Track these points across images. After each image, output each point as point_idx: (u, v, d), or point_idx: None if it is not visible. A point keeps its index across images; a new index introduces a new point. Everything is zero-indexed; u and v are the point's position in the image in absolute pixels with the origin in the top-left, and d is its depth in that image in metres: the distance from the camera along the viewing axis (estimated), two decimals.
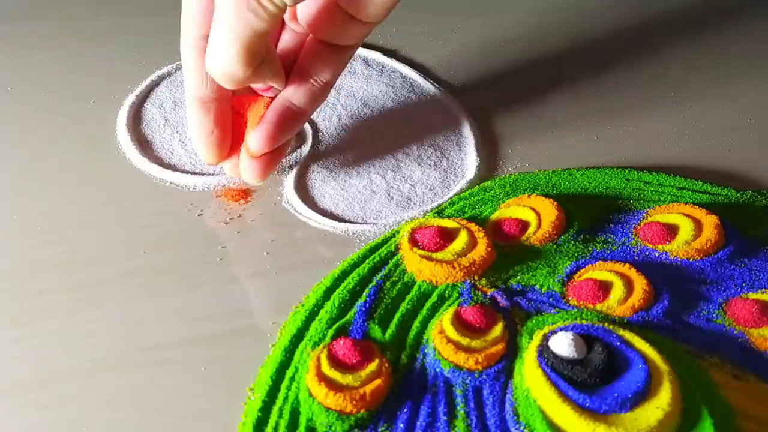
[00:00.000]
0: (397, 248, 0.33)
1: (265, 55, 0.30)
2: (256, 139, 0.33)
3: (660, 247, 0.33)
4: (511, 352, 0.29)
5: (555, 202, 0.35)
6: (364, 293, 0.31)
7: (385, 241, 0.34)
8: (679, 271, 0.33)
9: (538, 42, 0.49)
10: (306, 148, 0.39)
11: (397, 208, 0.36)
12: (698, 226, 0.34)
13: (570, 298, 0.31)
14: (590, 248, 0.34)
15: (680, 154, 0.41)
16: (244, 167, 0.34)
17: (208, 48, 0.30)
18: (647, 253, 0.33)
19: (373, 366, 0.27)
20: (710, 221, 0.34)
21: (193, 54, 0.32)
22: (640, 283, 0.31)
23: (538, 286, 0.32)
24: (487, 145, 0.41)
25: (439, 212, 0.36)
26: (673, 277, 0.32)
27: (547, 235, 0.34)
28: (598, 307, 0.31)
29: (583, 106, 0.44)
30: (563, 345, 0.27)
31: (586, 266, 0.32)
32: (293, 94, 0.33)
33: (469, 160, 0.39)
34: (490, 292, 0.31)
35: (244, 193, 0.37)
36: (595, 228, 0.35)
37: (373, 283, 0.32)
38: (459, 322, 0.29)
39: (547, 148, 0.40)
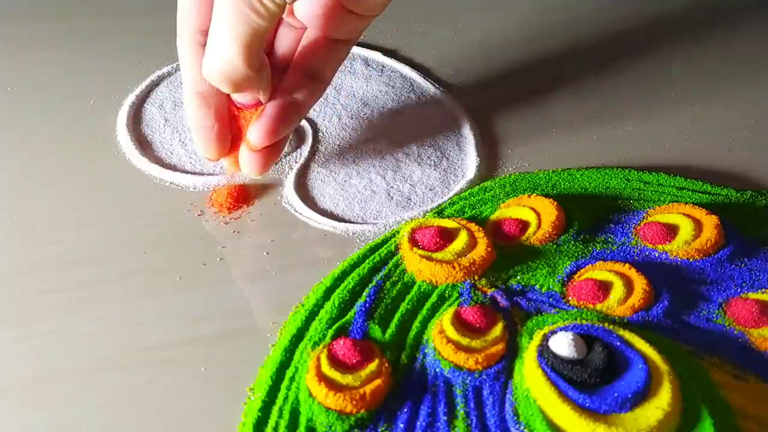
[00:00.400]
0: (397, 248, 0.33)
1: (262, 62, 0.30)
2: (256, 132, 0.33)
3: (660, 247, 0.33)
4: (511, 352, 0.29)
5: (555, 202, 0.35)
6: (364, 293, 0.31)
7: (385, 241, 0.34)
8: (679, 271, 0.33)
9: (538, 42, 0.49)
10: (306, 148, 0.39)
11: (397, 208, 0.36)
12: (698, 226, 0.34)
13: (570, 298, 0.31)
14: (590, 248, 0.34)
15: (680, 154, 0.41)
16: (245, 160, 0.34)
17: (207, 47, 0.29)
18: (647, 253, 0.33)
19: (373, 366, 0.27)
20: (710, 221, 0.34)
21: (191, 49, 0.32)
22: (640, 283, 0.31)
23: (538, 286, 0.32)
24: (487, 145, 0.41)
25: (439, 212, 0.36)
26: (673, 277, 0.32)
27: (547, 235, 0.34)
28: (598, 307, 0.31)
29: (583, 106, 0.44)
30: (563, 345, 0.27)
31: (586, 266, 0.32)
32: (293, 88, 0.33)
33: (469, 160, 0.39)
34: (490, 292, 0.31)
35: (240, 200, 0.36)
36: (595, 228, 0.35)
37: (373, 283, 0.32)
38: (459, 322, 0.29)
39: (547, 148, 0.40)
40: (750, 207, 0.36)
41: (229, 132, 0.34)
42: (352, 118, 0.41)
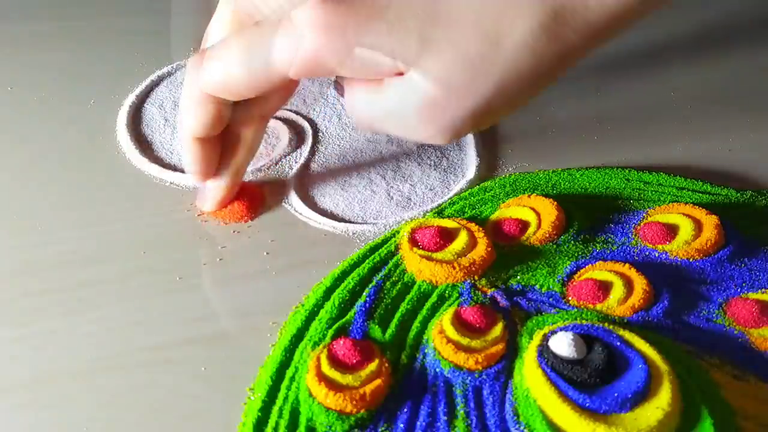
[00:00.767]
0: (397, 248, 0.33)
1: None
2: (210, 202, 0.35)
3: (660, 247, 0.33)
4: (511, 352, 0.29)
5: (555, 202, 0.35)
6: (364, 293, 0.31)
7: (385, 241, 0.34)
8: (679, 271, 0.33)
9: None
10: (306, 148, 0.39)
11: (397, 208, 0.36)
12: (698, 226, 0.34)
13: (570, 298, 0.31)
14: (590, 248, 0.34)
15: (680, 154, 0.41)
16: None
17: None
18: (647, 253, 0.33)
19: (373, 366, 0.27)
20: (710, 221, 0.34)
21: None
22: (640, 283, 0.31)
23: (538, 286, 0.32)
24: (487, 145, 0.41)
25: (439, 212, 0.36)
26: (673, 277, 0.32)
27: (547, 235, 0.34)
28: (598, 307, 0.31)
29: (583, 106, 0.44)
30: (563, 345, 0.27)
31: (586, 266, 0.32)
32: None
33: (469, 160, 0.39)
34: (490, 292, 0.31)
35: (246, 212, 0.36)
36: (595, 228, 0.35)
37: (373, 283, 0.32)
38: (459, 322, 0.29)
39: (547, 148, 0.40)
40: (750, 207, 0.36)
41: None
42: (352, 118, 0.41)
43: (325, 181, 0.38)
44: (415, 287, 0.32)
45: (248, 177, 0.37)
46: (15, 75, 0.44)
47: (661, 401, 0.26)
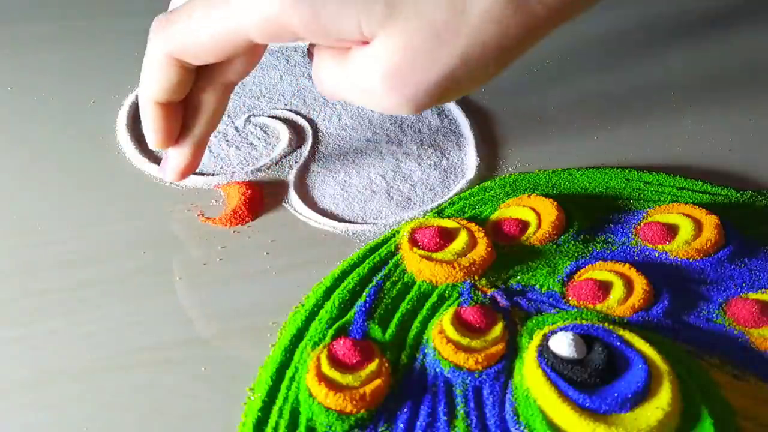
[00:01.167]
0: (397, 248, 0.33)
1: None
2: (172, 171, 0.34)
3: (660, 247, 0.33)
4: (511, 352, 0.29)
5: (555, 202, 0.35)
6: (364, 293, 0.31)
7: (385, 241, 0.34)
8: (679, 271, 0.33)
9: (539, 42, 0.49)
10: (306, 148, 0.39)
11: (397, 208, 0.36)
12: (698, 226, 0.34)
13: (570, 298, 0.31)
14: (590, 248, 0.34)
15: (680, 154, 0.41)
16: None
17: None
18: (647, 253, 0.33)
19: (373, 366, 0.27)
20: (710, 221, 0.34)
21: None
22: (640, 283, 0.31)
23: (538, 286, 0.32)
24: (487, 145, 0.41)
25: (439, 212, 0.36)
26: (673, 277, 0.32)
27: (547, 235, 0.34)
28: (598, 307, 0.31)
29: (583, 106, 0.44)
30: (563, 345, 0.27)
31: (586, 266, 0.32)
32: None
33: (469, 160, 0.39)
34: (490, 292, 0.31)
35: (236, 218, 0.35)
36: (595, 228, 0.35)
37: (373, 283, 0.32)
38: (459, 322, 0.29)
39: (547, 148, 0.40)
40: (750, 207, 0.36)
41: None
42: (352, 118, 0.41)
43: (325, 181, 0.38)
44: (415, 287, 0.32)
45: (248, 177, 0.37)
46: (15, 75, 0.43)
47: (661, 401, 0.26)
